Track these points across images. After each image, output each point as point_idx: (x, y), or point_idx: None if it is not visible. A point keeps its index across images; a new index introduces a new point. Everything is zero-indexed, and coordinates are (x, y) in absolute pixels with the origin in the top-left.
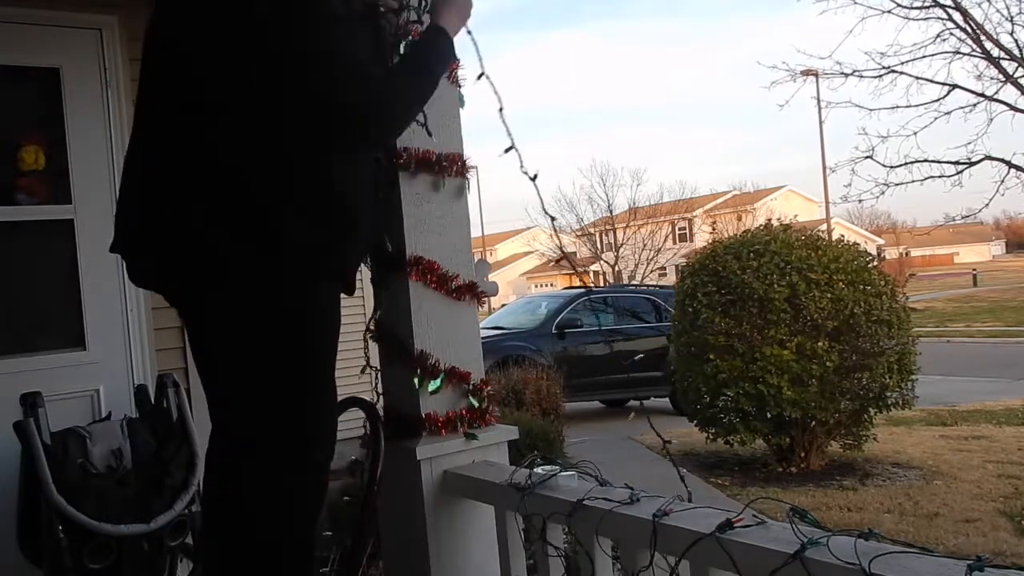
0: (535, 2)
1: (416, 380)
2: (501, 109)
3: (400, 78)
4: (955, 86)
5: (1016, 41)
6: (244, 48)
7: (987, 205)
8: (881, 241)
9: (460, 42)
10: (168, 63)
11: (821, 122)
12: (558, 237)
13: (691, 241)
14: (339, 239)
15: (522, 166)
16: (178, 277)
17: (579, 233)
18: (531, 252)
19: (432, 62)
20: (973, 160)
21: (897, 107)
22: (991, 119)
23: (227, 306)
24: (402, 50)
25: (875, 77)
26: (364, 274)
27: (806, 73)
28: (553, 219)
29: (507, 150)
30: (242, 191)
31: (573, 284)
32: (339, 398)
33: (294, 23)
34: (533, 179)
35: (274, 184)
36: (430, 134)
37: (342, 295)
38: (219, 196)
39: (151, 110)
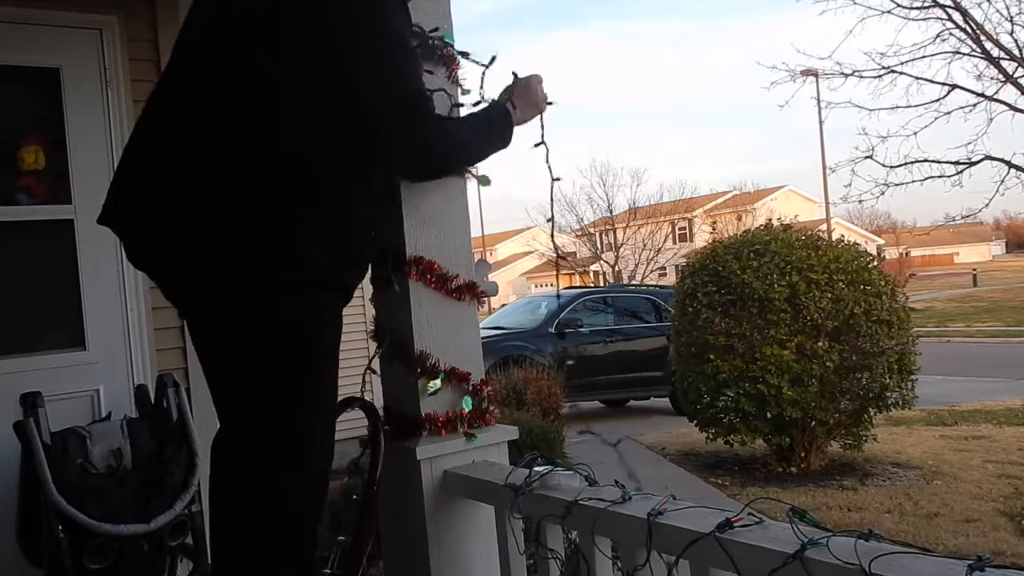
0: (536, 3)
1: (416, 380)
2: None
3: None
4: (955, 86)
5: (1016, 41)
6: (289, 50)
7: (987, 205)
8: (881, 241)
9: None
10: (200, 60)
11: (821, 122)
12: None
13: (691, 241)
14: (350, 253)
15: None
16: (181, 272)
17: (579, 233)
18: (531, 252)
19: (488, 137)
20: (973, 160)
21: (897, 107)
22: (991, 119)
23: (228, 306)
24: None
25: (875, 77)
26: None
27: (806, 73)
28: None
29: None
30: (257, 193)
31: (573, 284)
32: (340, 398)
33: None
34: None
35: (291, 190)
36: None
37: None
38: (232, 197)
39: (170, 99)
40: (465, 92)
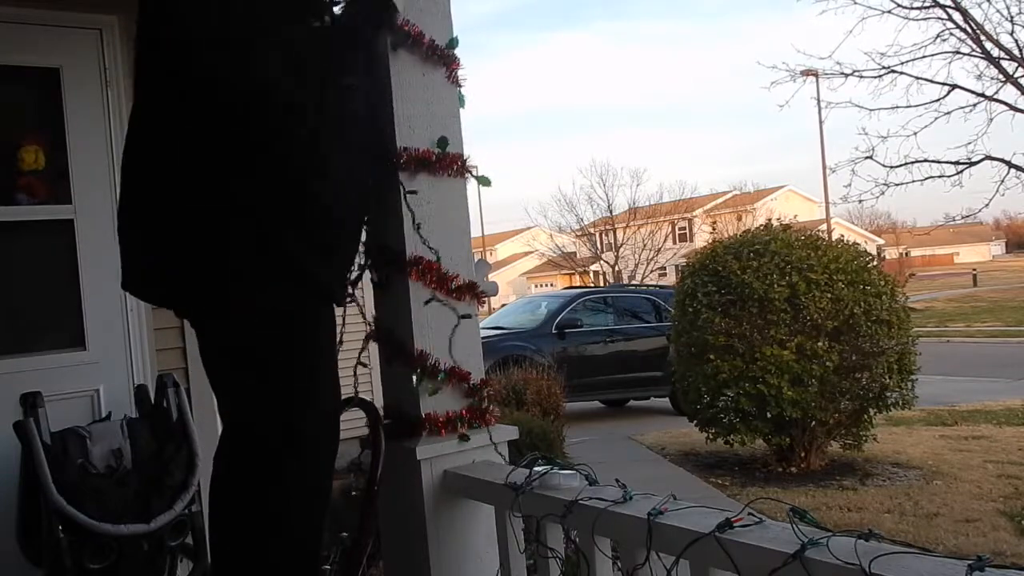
0: (538, 4)
1: (416, 380)
2: None
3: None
4: (955, 86)
5: (1016, 41)
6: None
7: (987, 205)
8: (881, 241)
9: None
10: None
11: (821, 122)
12: None
13: (691, 241)
14: (335, 265)
15: None
16: (181, 298)
17: (579, 233)
18: (531, 252)
19: None
20: (973, 160)
21: (897, 107)
22: (991, 119)
23: (227, 321)
24: None
25: (875, 77)
26: (364, 274)
27: (806, 73)
28: None
29: None
30: (244, 216)
31: (573, 284)
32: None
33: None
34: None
35: (275, 209)
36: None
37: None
38: (217, 222)
39: (149, 125)
40: (461, 102)
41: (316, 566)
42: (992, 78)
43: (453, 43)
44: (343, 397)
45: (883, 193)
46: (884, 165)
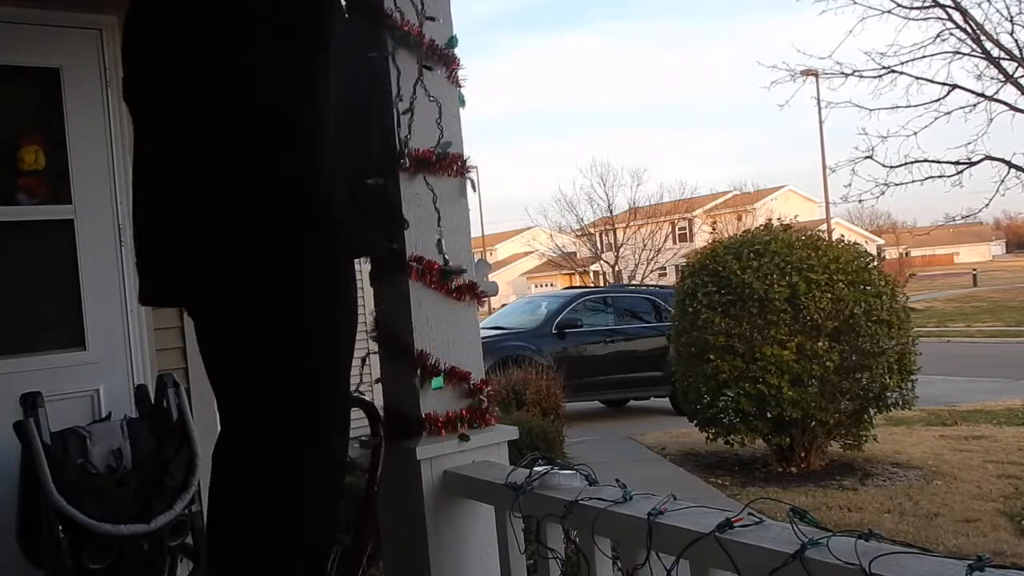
0: (539, 4)
1: (416, 380)
2: None
3: None
4: (955, 86)
5: (1016, 41)
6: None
7: (987, 205)
8: (881, 241)
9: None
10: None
11: (821, 122)
12: None
13: (691, 241)
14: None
15: None
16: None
17: (579, 233)
18: (531, 252)
19: None
20: (973, 160)
21: (897, 107)
22: (991, 119)
23: (235, 304)
24: None
25: (875, 77)
26: (363, 274)
27: (806, 73)
28: None
29: None
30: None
31: (573, 284)
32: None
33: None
34: None
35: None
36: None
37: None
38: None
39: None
40: (461, 102)
41: (325, 568)
42: (992, 78)
43: (453, 43)
44: None
45: (883, 193)
46: (884, 165)
